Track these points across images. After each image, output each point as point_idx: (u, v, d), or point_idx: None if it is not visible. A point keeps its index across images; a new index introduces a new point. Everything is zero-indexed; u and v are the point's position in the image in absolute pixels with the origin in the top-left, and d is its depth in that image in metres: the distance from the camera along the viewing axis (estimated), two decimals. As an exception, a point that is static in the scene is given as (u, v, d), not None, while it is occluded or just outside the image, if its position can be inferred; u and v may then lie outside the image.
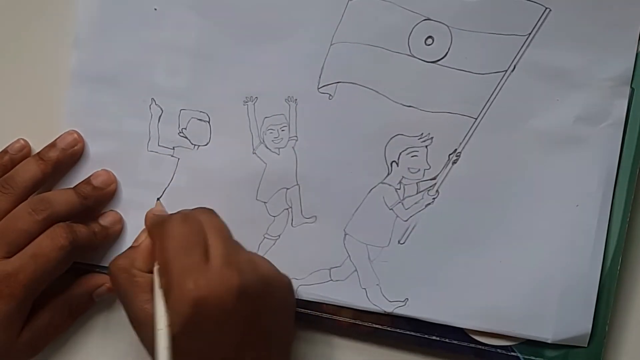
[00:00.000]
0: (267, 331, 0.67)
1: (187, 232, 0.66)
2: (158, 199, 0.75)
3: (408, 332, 0.75)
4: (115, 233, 0.75)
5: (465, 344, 0.74)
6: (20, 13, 0.76)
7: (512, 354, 0.74)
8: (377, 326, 0.75)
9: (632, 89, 0.71)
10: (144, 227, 0.74)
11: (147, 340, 0.66)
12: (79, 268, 0.75)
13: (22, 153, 0.75)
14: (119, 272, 0.69)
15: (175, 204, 0.74)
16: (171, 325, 0.63)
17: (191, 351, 0.64)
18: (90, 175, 0.75)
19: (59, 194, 0.73)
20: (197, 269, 0.64)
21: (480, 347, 0.74)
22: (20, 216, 0.71)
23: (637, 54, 0.70)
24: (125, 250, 0.72)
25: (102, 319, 0.77)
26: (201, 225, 0.67)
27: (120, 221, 0.75)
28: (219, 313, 0.63)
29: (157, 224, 0.69)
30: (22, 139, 0.75)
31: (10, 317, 0.70)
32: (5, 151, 0.75)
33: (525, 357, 0.74)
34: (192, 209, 0.69)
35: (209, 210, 0.69)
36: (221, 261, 0.64)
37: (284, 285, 0.69)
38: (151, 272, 0.68)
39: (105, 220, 0.75)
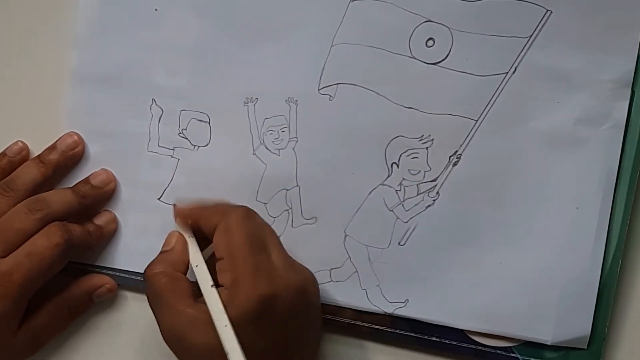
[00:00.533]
0: (312, 327, 0.70)
1: (252, 230, 0.67)
2: (174, 205, 0.74)
3: (408, 333, 0.75)
4: (109, 232, 0.75)
5: (465, 345, 0.74)
6: (20, 13, 0.76)
7: (512, 355, 0.74)
8: (377, 327, 0.75)
9: (633, 91, 0.71)
10: (171, 230, 0.73)
11: (183, 348, 0.66)
12: (79, 268, 0.76)
13: (21, 155, 0.75)
14: (159, 277, 0.68)
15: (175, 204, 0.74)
16: (235, 319, 0.64)
17: (252, 348, 0.64)
18: (90, 175, 0.75)
19: (56, 193, 0.73)
20: (267, 267, 0.66)
21: (480, 348, 0.74)
22: (17, 215, 0.71)
23: (638, 57, 0.70)
24: (159, 255, 0.71)
25: (100, 319, 0.77)
26: (262, 224, 0.69)
27: (114, 220, 0.75)
28: (282, 312, 0.65)
29: (215, 213, 0.69)
30: (20, 141, 0.75)
31: (5, 316, 0.70)
32: (3, 154, 0.75)
33: (525, 358, 0.74)
34: (242, 205, 0.70)
35: (255, 211, 0.71)
36: (283, 262, 0.67)
37: (318, 287, 0.71)
38: (186, 273, 0.69)
39: (100, 219, 0.75)
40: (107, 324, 0.77)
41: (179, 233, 0.72)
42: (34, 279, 0.70)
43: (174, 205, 0.74)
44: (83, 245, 0.73)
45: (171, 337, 0.67)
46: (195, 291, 0.67)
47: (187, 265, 0.70)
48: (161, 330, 0.67)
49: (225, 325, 0.63)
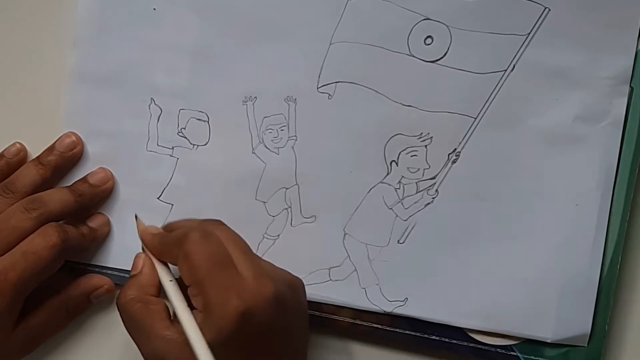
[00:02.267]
0: (298, 333, 0.68)
1: (213, 249, 0.65)
2: (136, 216, 0.73)
3: (407, 332, 0.75)
4: (103, 235, 0.75)
5: (465, 343, 0.74)
6: (19, 13, 0.76)
7: (512, 353, 0.74)
8: (376, 326, 0.75)
9: (632, 88, 0.71)
10: (138, 252, 0.71)
11: None
12: (77, 268, 0.75)
13: (19, 157, 0.75)
14: (132, 304, 0.67)
15: (174, 203, 0.74)
16: (212, 342, 0.63)
17: None
18: (87, 174, 0.75)
19: (52, 192, 0.73)
20: (236, 283, 0.64)
21: (479, 346, 0.74)
22: (14, 214, 0.71)
23: (636, 53, 0.70)
24: (128, 281, 0.70)
25: (98, 319, 0.77)
26: (220, 239, 0.66)
27: (108, 223, 0.75)
28: (260, 324, 0.64)
29: (173, 245, 0.67)
30: (18, 142, 0.75)
31: (0, 315, 0.70)
32: (1, 155, 0.75)
33: (525, 356, 0.74)
34: (201, 222, 0.69)
35: (218, 222, 0.69)
36: (252, 273, 0.65)
37: (301, 287, 0.70)
38: (158, 295, 0.68)
39: (94, 222, 0.75)
40: (104, 324, 0.77)
41: (145, 255, 0.70)
42: (30, 279, 0.69)
43: (135, 217, 0.73)
44: (78, 247, 0.73)
45: None
46: (170, 312, 0.67)
47: (158, 286, 0.69)
48: (143, 356, 0.66)
49: (198, 342, 0.62)
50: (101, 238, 0.75)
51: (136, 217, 0.73)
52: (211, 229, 0.67)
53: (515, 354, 0.74)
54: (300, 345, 0.70)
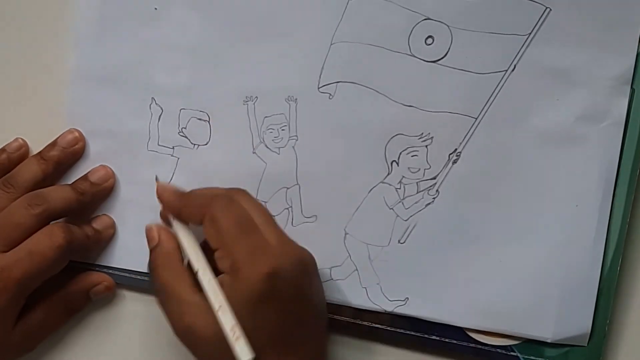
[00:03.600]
0: (321, 303, 0.70)
1: (238, 214, 0.67)
2: (157, 177, 0.74)
3: (408, 332, 0.75)
4: (107, 237, 0.76)
5: (465, 343, 0.74)
6: (20, 12, 0.76)
7: (512, 353, 0.74)
8: (376, 325, 0.75)
9: (633, 89, 0.71)
10: (154, 224, 0.72)
11: (195, 338, 0.66)
12: (77, 266, 0.75)
13: (20, 152, 0.75)
14: (160, 272, 0.69)
15: (175, 203, 0.74)
16: (241, 303, 0.64)
17: (262, 327, 0.64)
18: (88, 172, 0.75)
19: (55, 189, 0.73)
20: (262, 246, 0.65)
21: (480, 346, 0.74)
22: (16, 211, 0.71)
23: (637, 54, 0.70)
24: (151, 253, 0.71)
25: (98, 317, 0.77)
26: (244, 207, 0.67)
27: (113, 226, 0.76)
28: (288, 286, 0.65)
29: (197, 206, 0.69)
30: (20, 138, 0.76)
31: (1, 311, 0.70)
32: (3, 150, 0.75)
33: (525, 356, 0.74)
34: (227, 190, 0.69)
35: (243, 191, 0.69)
36: (277, 238, 0.66)
37: (315, 264, 0.70)
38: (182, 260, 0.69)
39: (98, 224, 0.75)
40: (105, 322, 0.77)
41: (156, 225, 0.72)
42: (33, 277, 0.70)
43: (156, 178, 0.74)
44: (82, 248, 0.73)
45: (181, 329, 0.67)
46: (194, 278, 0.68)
47: (180, 251, 0.70)
48: (172, 325, 0.67)
49: (220, 307, 0.64)
50: (105, 240, 0.76)
51: (157, 178, 0.74)
52: (237, 197, 0.68)
53: (515, 354, 0.74)
54: (323, 321, 0.71)
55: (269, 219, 0.68)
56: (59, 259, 0.71)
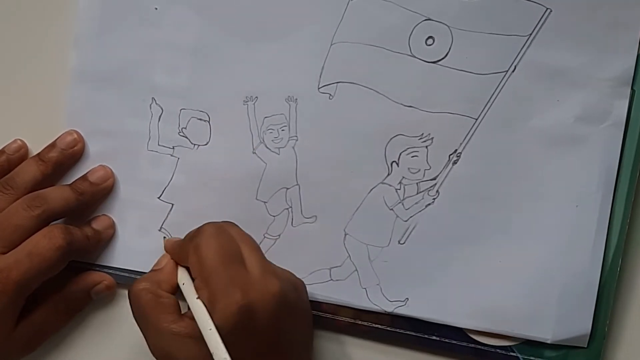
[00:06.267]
0: (302, 333, 0.70)
1: (223, 244, 0.66)
2: (165, 237, 0.75)
3: (408, 332, 0.75)
4: (107, 237, 0.76)
5: (465, 344, 0.74)
6: (20, 12, 0.76)
7: (512, 354, 0.74)
8: (376, 326, 0.75)
9: (633, 91, 0.71)
10: (163, 252, 0.73)
11: None
12: (77, 266, 0.75)
13: (20, 153, 0.75)
14: (143, 294, 0.68)
15: (174, 203, 0.75)
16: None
17: (236, 359, 0.64)
18: (87, 172, 0.75)
19: (54, 190, 0.73)
20: (241, 278, 0.65)
21: (479, 347, 0.74)
22: (15, 212, 0.71)
23: (638, 56, 0.70)
24: (147, 274, 0.71)
25: (100, 317, 0.77)
26: (232, 236, 0.68)
27: (112, 226, 0.76)
28: (264, 320, 0.65)
29: (187, 240, 0.69)
30: (19, 139, 0.76)
31: (1, 313, 0.70)
32: (2, 151, 0.75)
33: (525, 357, 0.74)
34: (217, 222, 0.69)
35: (233, 223, 0.70)
36: (260, 270, 0.66)
37: (304, 289, 0.71)
38: (174, 293, 0.69)
39: (98, 224, 0.75)
40: (105, 322, 0.77)
41: (170, 257, 0.72)
42: (32, 279, 0.70)
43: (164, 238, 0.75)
44: (82, 249, 0.73)
45: (158, 354, 0.67)
46: (180, 308, 0.68)
47: (175, 286, 0.70)
48: (149, 347, 0.67)
49: (210, 329, 0.63)
50: (105, 240, 0.76)
51: (164, 238, 0.75)
52: (226, 227, 0.68)
53: (515, 355, 0.74)
54: (305, 346, 0.71)
55: (255, 249, 0.68)
56: (59, 261, 0.71)
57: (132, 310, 0.69)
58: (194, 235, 0.68)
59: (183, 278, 0.69)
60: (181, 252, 0.70)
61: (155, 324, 0.66)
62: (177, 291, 0.69)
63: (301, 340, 0.70)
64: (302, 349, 0.70)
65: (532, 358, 0.74)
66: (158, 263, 0.72)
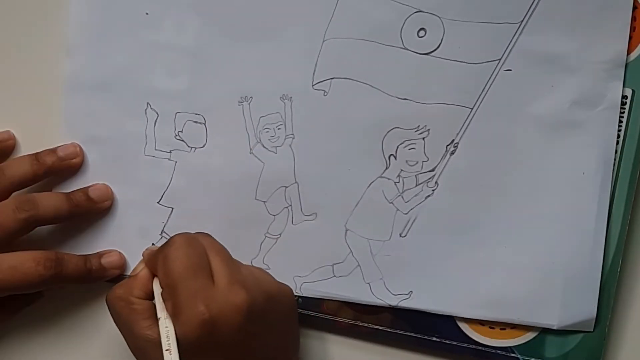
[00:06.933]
0: (275, 344, 0.68)
1: (191, 254, 0.66)
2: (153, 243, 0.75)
3: (408, 333, 0.75)
4: (111, 276, 0.75)
5: (465, 344, 0.75)
6: (14, 20, 0.76)
7: (512, 355, 0.74)
8: (376, 327, 0.75)
9: (633, 91, 0.72)
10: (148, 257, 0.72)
11: None
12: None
13: (7, 144, 0.75)
14: (117, 301, 0.68)
15: (174, 207, 0.75)
16: (180, 347, 0.63)
17: None
18: (89, 186, 0.75)
19: (47, 196, 0.73)
20: (205, 290, 0.64)
21: (480, 348, 0.74)
22: (3, 211, 0.70)
23: (638, 56, 0.71)
24: (123, 280, 0.71)
25: (98, 316, 0.77)
26: (203, 247, 0.67)
27: (122, 267, 0.75)
28: (229, 332, 0.64)
29: (158, 249, 0.68)
30: (9, 130, 0.75)
31: None
32: None
33: (525, 357, 0.74)
34: (188, 233, 0.69)
35: (206, 234, 0.69)
36: (226, 280, 0.65)
37: (287, 295, 0.70)
38: (150, 299, 0.68)
39: (107, 260, 0.75)
40: (105, 322, 0.76)
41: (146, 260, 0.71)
42: (8, 290, 0.69)
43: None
44: (76, 280, 0.73)
45: (137, 355, 0.67)
46: (155, 313, 0.67)
47: (148, 292, 0.69)
48: (129, 348, 0.68)
49: (166, 350, 0.63)
50: (109, 276, 0.75)
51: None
52: (198, 236, 0.68)
53: (515, 355, 0.74)
54: (284, 353, 0.70)
55: (227, 259, 0.67)
56: (40, 285, 0.70)
57: (111, 315, 0.69)
58: (164, 246, 0.67)
59: (156, 287, 0.69)
60: (153, 261, 0.69)
61: (130, 329, 0.67)
62: (152, 297, 0.69)
63: (277, 348, 0.69)
64: (278, 357, 0.69)
65: (532, 358, 0.74)
66: (134, 269, 0.71)
